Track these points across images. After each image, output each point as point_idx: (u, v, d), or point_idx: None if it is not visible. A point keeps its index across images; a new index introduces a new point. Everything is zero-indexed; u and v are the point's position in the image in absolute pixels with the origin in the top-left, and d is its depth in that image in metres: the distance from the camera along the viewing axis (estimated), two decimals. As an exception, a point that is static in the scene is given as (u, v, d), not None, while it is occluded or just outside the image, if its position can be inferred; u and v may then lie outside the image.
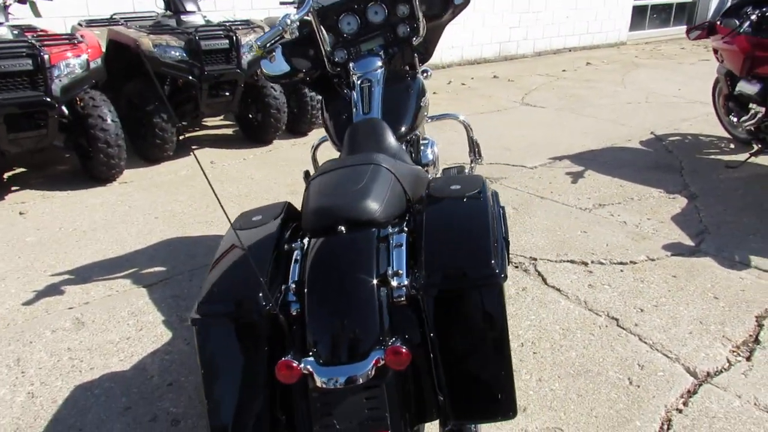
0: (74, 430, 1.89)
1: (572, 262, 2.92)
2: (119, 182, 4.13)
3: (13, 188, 4.05)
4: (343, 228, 1.52)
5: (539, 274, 2.81)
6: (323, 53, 2.45)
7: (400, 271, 1.43)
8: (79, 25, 5.23)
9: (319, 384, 1.31)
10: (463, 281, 1.37)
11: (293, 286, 1.45)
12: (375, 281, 1.40)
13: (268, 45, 2.43)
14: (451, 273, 1.38)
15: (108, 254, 3.07)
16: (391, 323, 1.41)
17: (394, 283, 1.41)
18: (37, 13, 4.00)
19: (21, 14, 4.52)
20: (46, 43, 3.60)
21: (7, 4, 3.82)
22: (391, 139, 2.16)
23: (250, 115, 4.94)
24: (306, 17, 2.41)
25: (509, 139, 5.10)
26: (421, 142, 2.40)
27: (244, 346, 1.43)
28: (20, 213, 3.60)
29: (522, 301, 2.58)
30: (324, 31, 2.45)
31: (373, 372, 1.31)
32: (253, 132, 4.98)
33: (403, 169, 1.80)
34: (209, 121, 5.84)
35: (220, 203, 1.20)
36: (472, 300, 1.37)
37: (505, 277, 1.38)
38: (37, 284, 2.78)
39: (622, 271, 2.83)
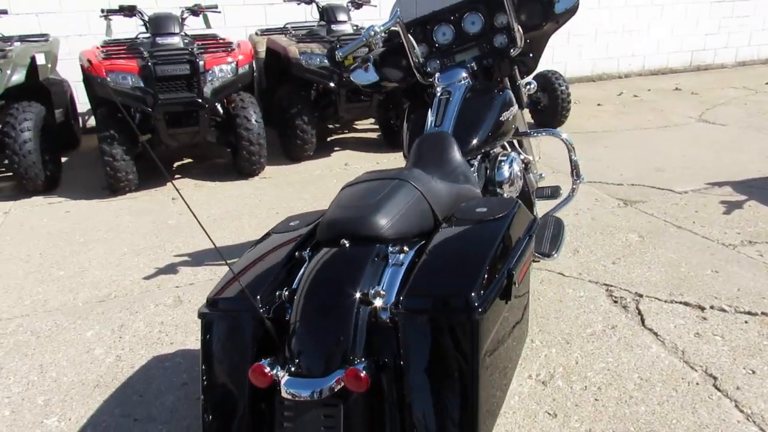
0: (137, 395, 2.12)
1: (686, 304, 2.53)
2: (260, 177, 4.51)
3: (177, 176, 4.64)
4: (346, 241, 1.51)
5: (639, 312, 2.48)
6: (412, 64, 2.43)
7: (383, 291, 1.38)
8: (256, 34, 5.80)
9: (283, 393, 1.32)
10: (435, 310, 1.28)
11: (286, 293, 1.47)
12: (357, 299, 1.37)
13: (350, 56, 2.49)
14: (427, 300, 1.31)
15: (225, 242, 3.38)
16: (369, 344, 1.37)
17: (377, 303, 1.37)
18: (208, 25, 4.54)
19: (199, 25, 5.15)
20: (207, 50, 4.07)
21: (184, 17, 4.38)
22: (454, 155, 2.08)
23: (391, 121, 5.06)
24: (394, 28, 2.42)
25: (666, 159, 4.57)
26: (499, 158, 2.26)
27: (236, 345, 1.49)
28: (172, 198, 4.12)
29: (605, 340, 2.30)
30: (413, 42, 2.44)
31: (334, 390, 1.29)
32: (393, 137, 5.10)
33: (438, 188, 1.72)
34: (359, 125, 6.10)
35: (201, 226, 1.27)
36: (441, 331, 1.28)
37: (483, 312, 1.26)
38: (162, 262, 3.16)
39: (746, 322, 2.38)
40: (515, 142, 2.80)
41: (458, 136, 2.16)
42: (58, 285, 2.96)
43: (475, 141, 2.17)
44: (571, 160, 2.60)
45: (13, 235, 3.61)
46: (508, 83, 2.59)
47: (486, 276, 1.34)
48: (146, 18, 4.25)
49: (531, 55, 2.61)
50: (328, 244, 1.54)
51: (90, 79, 3.94)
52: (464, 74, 2.37)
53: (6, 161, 4.04)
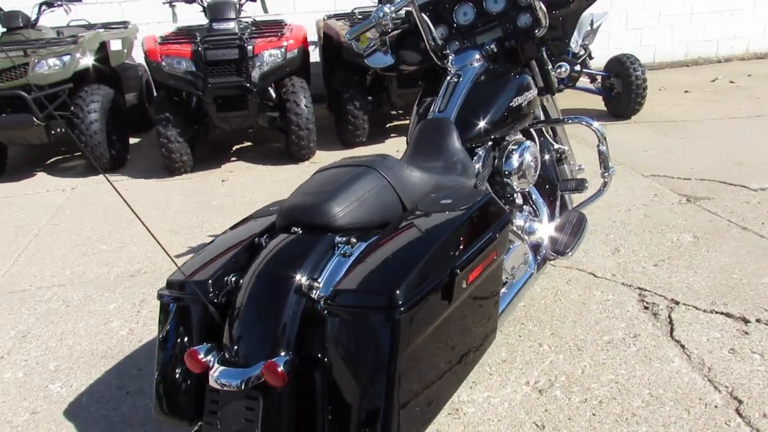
0: (136, 369, 2.19)
1: (727, 315, 2.26)
2: (310, 162, 4.54)
3: (233, 159, 4.77)
4: (297, 229, 1.47)
5: (670, 321, 2.24)
6: (427, 46, 2.32)
7: (317, 284, 1.32)
8: (323, 19, 5.82)
9: (210, 381, 1.30)
10: (357, 306, 1.21)
11: (233, 279, 1.45)
12: (292, 289, 1.33)
13: (363, 37, 2.41)
14: (352, 295, 1.23)
15: (260, 225, 3.42)
16: (300, 336, 1.31)
17: (313, 294, 1.32)
18: (265, 9, 4.60)
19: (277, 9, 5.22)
20: (260, 35, 4.13)
21: (241, 2, 4.47)
22: (452, 142, 1.96)
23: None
24: (407, 8, 2.32)
25: (749, 152, 4.11)
26: (510, 146, 2.11)
27: (185, 328, 1.49)
28: (222, 180, 4.24)
29: (622, 349, 2.10)
30: (429, 23, 2.32)
31: (255, 382, 1.25)
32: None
33: (410, 177, 1.63)
34: (422, 111, 5.98)
35: (135, 214, 1.27)
36: (362, 328, 1.20)
37: (407, 310, 1.17)
38: (196, 241, 3.26)
39: (797, 340, 2.09)
40: (547, 130, 2.61)
41: (462, 122, 2.04)
42: (98, 258, 3.12)
43: (479, 127, 2.03)
44: (599, 152, 2.38)
45: (73, 209, 3.86)
46: (536, 66, 2.40)
47: (421, 273, 1.25)
48: (205, 4, 4.37)
49: (561, 35, 2.41)
50: (282, 230, 1.50)
51: (149, 63, 4.11)
52: (477, 56, 2.23)
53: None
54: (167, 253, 1.31)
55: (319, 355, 1.29)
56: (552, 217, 2.39)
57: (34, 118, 4.10)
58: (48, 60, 4.13)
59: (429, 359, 1.29)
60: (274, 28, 4.48)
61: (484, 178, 2.06)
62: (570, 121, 2.50)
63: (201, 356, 1.33)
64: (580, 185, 2.38)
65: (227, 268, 1.48)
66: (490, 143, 2.13)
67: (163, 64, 3.98)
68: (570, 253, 2.19)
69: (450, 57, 2.29)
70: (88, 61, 4.34)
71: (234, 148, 5.04)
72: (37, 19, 4.71)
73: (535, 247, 2.22)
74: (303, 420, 1.28)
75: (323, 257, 1.41)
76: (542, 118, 2.58)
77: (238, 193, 3.98)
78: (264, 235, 1.56)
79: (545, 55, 2.39)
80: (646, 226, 3.07)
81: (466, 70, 2.20)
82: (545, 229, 2.23)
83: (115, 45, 5.09)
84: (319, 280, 1.34)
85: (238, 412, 1.29)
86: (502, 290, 1.94)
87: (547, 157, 2.60)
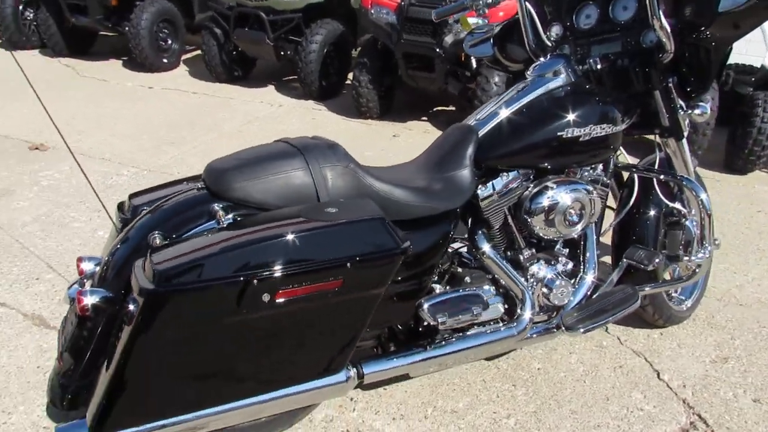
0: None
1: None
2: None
3: (423, 118, 4.77)
4: (201, 185, 1.51)
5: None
6: (525, 43, 2.01)
7: (163, 241, 1.39)
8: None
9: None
10: (143, 271, 1.24)
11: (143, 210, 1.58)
12: (147, 238, 1.40)
13: (452, 18, 2.20)
14: (146, 261, 1.26)
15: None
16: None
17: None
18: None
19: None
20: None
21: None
22: (461, 156, 1.76)
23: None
24: (507, -2, 2.03)
25: None
26: (549, 183, 1.75)
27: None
28: (393, 135, 4.31)
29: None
30: (535, 17, 2.01)
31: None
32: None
33: (342, 175, 1.54)
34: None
35: (91, 184, 1.43)
36: (136, 294, 1.22)
37: (161, 292, 1.20)
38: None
39: None
40: (672, 184, 2.06)
41: (493, 138, 1.76)
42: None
43: (508, 149, 1.75)
44: (686, 228, 1.81)
45: (258, 124, 4.36)
46: (660, 100, 1.89)
47: (212, 266, 1.21)
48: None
49: (703, 69, 1.84)
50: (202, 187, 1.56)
51: (361, 9, 4.31)
52: (560, 68, 1.86)
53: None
54: (105, 209, 1.45)
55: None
56: (601, 281, 1.94)
57: (267, 38, 4.68)
58: (287, -11, 4.62)
59: (207, 355, 1.25)
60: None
61: (498, 206, 1.76)
62: (678, 180, 1.95)
63: (82, 264, 1.50)
64: (648, 260, 1.86)
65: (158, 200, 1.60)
66: (530, 172, 1.80)
67: (372, 11, 4.12)
68: (582, 331, 1.77)
69: (540, 59, 1.96)
70: (320, -3, 4.73)
71: (434, 109, 5.03)
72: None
73: (552, 309, 1.84)
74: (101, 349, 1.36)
75: (195, 221, 1.43)
76: (657, 166, 2.04)
77: (392, 150, 4.02)
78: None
79: (672, 89, 1.87)
80: (802, 347, 2.26)
81: (537, 82, 1.86)
82: (570, 293, 1.82)
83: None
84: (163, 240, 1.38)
85: (71, 321, 1.44)
86: (469, 333, 1.71)
87: (651, 213, 2.08)
